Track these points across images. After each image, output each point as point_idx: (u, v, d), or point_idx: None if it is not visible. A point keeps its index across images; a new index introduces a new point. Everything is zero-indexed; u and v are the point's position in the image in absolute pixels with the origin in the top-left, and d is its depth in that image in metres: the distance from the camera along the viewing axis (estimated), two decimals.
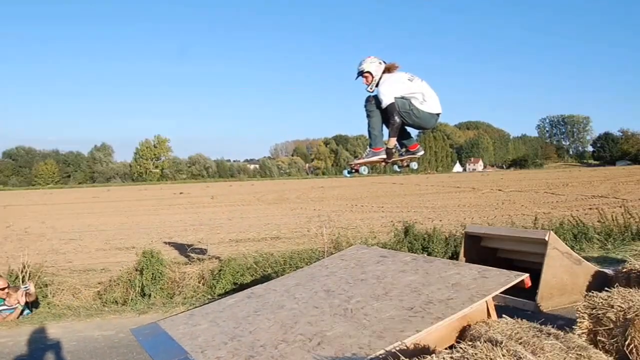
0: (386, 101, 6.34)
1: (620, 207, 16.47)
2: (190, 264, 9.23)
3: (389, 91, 6.36)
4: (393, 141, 6.58)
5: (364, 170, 6.71)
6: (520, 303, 6.83)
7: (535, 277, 6.33)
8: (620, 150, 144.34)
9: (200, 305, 7.38)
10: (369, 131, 6.67)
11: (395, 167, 7.10)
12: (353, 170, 6.84)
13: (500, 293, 4.91)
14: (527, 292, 6.18)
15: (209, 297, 8.75)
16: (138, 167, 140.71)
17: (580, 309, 4.48)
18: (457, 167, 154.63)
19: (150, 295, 8.74)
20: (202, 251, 12.07)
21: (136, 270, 9.04)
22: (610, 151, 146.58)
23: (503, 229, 9.74)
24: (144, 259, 8.99)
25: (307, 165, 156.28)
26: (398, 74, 6.51)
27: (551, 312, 6.64)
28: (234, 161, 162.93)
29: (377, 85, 6.50)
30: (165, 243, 15.73)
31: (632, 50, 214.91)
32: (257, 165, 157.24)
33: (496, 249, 8.42)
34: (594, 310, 4.39)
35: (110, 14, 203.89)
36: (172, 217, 28.98)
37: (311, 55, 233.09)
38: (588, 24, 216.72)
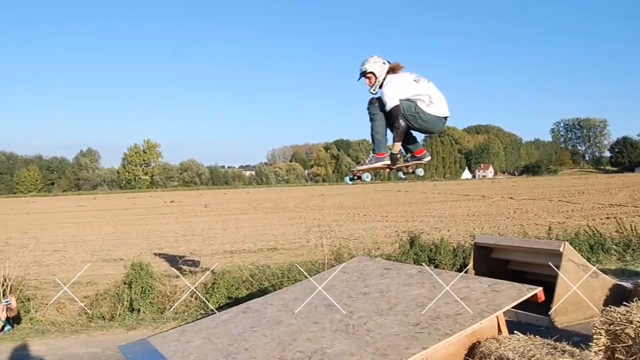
0: (390, 103, 6.34)
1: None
2: (182, 277, 9.21)
3: (394, 93, 6.35)
4: (398, 146, 6.58)
5: (366, 177, 6.69)
6: (533, 318, 6.84)
7: (549, 290, 6.33)
8: None
9: (193, 321, 7.39)
10: (372, 135, 6.66)
11: (400, 174, 7.06)
12: (355, 177, 6.81)
13: (512, 308, 4.91)
14: (540, 307, 6.18)
15: (202, 312, 8.74)
16: (126, 173, 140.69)
17: (597, 324, 4.49)
18: (466, 174, 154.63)
19: (139, 310, 8.73)
20: (195, 263, 12.06)
21: (124, 283, 9.03)
22: (629, 157, 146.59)
23: (515, 239, 9.73)
24: (132, 271, 8.99)
25: (306, 171, 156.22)
26: (403, 74, 6.52)
27: (566, 327, 6.65)
28: (229, 167, 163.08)
29: (380, 87, 6.50)
30: (155, 254, 15.70)
31: None
32: (253, 172, 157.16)
33: (507, 260, 8.42)
34: (611, 326, 4.38)
35: (97, 11, 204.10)
36: (163, 227, 28.89)
37: (310, 54, 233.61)
38: (605, 22, 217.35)
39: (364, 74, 6.54)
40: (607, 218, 21.03)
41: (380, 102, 6.48)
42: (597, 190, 45.76)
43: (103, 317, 8.74)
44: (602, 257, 11.19)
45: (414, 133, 6.82)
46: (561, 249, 7.02)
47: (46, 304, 8.78)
